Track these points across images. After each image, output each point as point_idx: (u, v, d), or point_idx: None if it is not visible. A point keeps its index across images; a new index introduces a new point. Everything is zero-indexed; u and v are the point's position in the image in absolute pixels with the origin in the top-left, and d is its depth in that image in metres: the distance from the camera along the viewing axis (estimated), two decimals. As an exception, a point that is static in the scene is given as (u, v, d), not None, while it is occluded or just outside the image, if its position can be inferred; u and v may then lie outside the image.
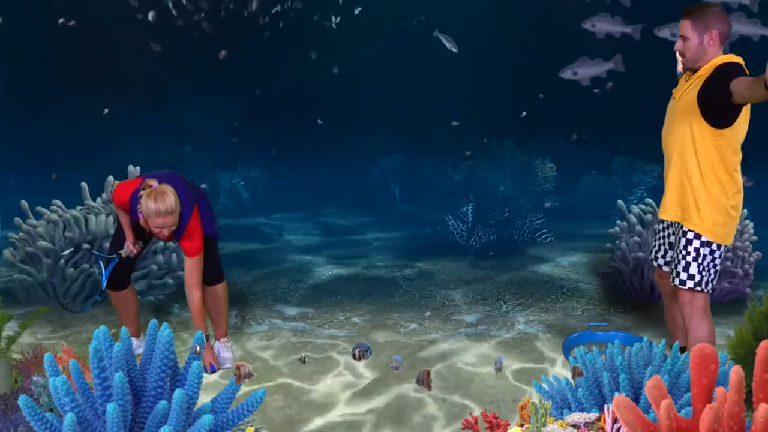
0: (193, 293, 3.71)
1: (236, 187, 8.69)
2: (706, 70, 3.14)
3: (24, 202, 4.89)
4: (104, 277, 3.81)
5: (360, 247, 6.69)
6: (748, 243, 4.96)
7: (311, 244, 6.78)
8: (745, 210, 4.94)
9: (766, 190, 7.03)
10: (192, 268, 3.70)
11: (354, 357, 3.98)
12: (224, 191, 8.05)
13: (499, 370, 3.83)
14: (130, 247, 3.80)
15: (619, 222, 5.19)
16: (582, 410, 2.07)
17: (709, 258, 3.25)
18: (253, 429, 2.00)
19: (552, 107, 7.92)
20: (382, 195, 8.61)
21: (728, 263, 4.83)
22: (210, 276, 3.94)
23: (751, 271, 4.91)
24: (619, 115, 7.57)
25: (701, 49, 3.15)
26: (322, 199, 8.21)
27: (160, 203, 3.44)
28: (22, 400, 1.60)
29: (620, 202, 5.25)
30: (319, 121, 7.83)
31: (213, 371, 3.81)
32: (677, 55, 3.27)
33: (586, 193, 8.01)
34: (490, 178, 8.32)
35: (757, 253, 4.95)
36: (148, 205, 3.46)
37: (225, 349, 4.05)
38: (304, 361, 4.03)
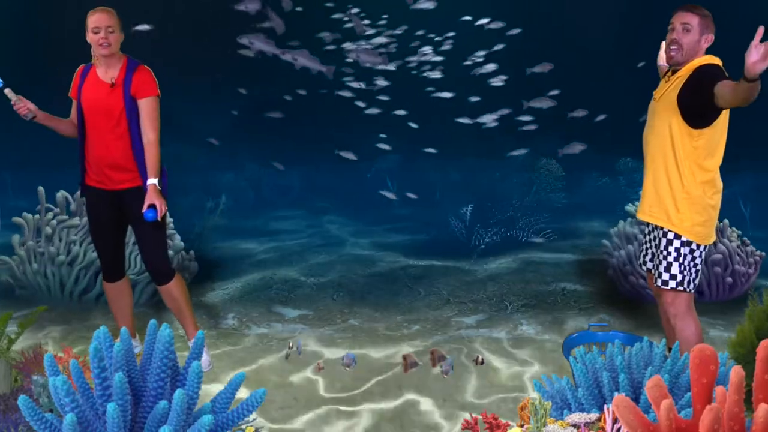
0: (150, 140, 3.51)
1: (236, 187, 8.68)
2: (686, 71, 3.16)
3: (41, 189, 4.88)
4: None
5: (361, 247, 6.69)
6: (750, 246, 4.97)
7: (312, 244, 6.78)
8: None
9: (766, 190, 7.03)
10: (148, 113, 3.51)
11: (289, 348, 4.05)
12: (225, 191, 8.04)
13: (446, 373, 3.83)
14: (21, 99, 3.48)
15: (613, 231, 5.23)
16: (582, 410, 2.07)
17: (689, 257, 3.27)
18: (253, 429, 2.00)
19: (556, 108, 7.90)
20: (383, 195, 8.59)
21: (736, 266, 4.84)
22: (156, 274, 3.73)
23: (753, 270, 4.92)
24: (622, 116, 7.56)
25: (698, 47, 3.18)
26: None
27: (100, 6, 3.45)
28: (21, 400, 1.59)
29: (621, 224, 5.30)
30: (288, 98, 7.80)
31: (151, 218, 3.46)
32: (665, 48, 3.26)
33: (589, 192, 8.00)
34: (494, 178, 8.31)
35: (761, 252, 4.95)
36: (88, 12, 3.44)
37: None
38: (288, 357, 4.07)
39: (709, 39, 3.18)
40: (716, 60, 3.17)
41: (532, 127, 6.92)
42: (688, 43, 3.16)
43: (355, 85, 7.20)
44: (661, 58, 3.73)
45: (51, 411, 2.08)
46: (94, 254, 4.77)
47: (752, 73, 2.69)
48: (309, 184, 8.93)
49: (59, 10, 7.74)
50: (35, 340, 4.25)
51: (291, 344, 4.13)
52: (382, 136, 7.69)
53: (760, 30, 2.63)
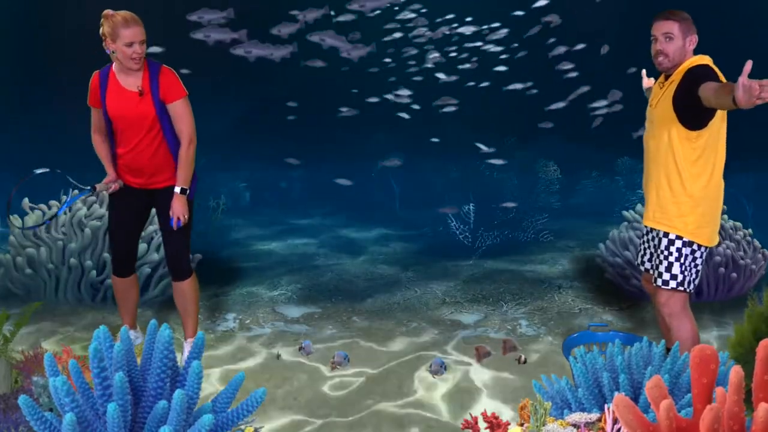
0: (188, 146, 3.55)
1: (238, 187, 8.68)
2: (677, 75, 3.18)
3: (26, 200, 4.89)
4: (65, 206, 3.68)
5: (361, 247, 6.69)
6: (753, 241, 4.97)
7: (312, 245, 6.78)
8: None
9: (766, 191, 7.03)
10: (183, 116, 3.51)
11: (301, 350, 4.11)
12: (226, 192, 8.05)
13: (435, 373, 3.82)
14: (108, 184, 3.61)
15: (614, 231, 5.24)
16: (582, 410, 2.07)
17: (690, 258, 3.28)
18: (252, 429, 2.00)
19: (555, 108, 7.92)
20: (384, 195, 8.60)
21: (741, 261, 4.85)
22: (175, 270, 3.78)
23: (757, 268, 4.92)
24: (622, 116, 7.57)
25: (683, 51, 3.21)
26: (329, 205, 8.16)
27: (124, 13, 3.36)
28: (22, 400, 1.59)
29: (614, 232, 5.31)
30: (292, 104, 7.80)
31: (178, 224, 3.60)
32: (657, 57, 3.27)
33: (588, 193, 8.01)
34: (493, 178, 8.32)
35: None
36: (114, 21, 3.33)
37: None
38: (279, 356, 4.08)
39: (693, 40, 3.21)
40: (706, 59, 3.19)
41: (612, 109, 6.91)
42: (674, 51, 3.19)
43: (402, 93, 7.21)
44: (647, 83, 3.77)
45: (51, 411, 2.08)
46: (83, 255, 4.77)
47: (742, 107, 2.68)
48: (311, 186, 8.93)
49: (59, 10, 7.74)
50: (34, 340, 4.25)
51: (302, 344, 4.13)
52: (435, 140, 7.72)
53: (748, 65, 2.59)
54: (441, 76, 7.44)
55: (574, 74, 7.14)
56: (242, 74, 8.09)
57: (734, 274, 4.82)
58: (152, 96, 3.46)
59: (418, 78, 7.67)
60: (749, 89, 2.55)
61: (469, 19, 7.57)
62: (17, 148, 7.45)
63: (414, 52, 7.65)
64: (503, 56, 7.71)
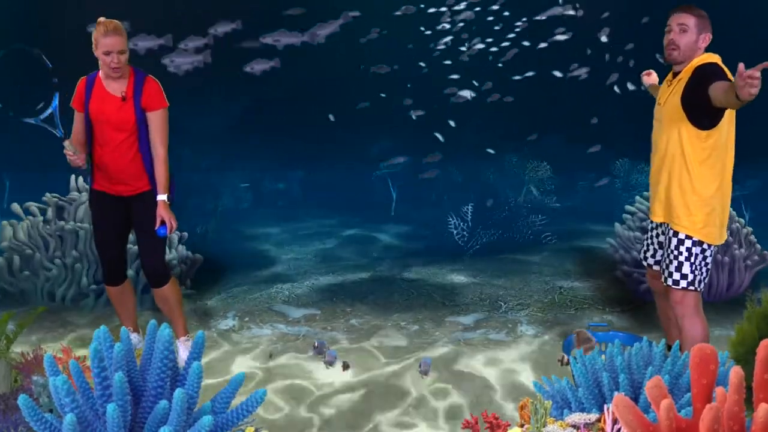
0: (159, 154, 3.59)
1: (237, 189, 8.67)
2: (686, 73, 3.19)
3: (15, 205, 4.88)
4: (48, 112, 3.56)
5: (360, 248, 6.69)
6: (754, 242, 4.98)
7: (311, 247, 6.78)
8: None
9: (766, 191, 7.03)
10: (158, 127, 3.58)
11: (315, 350, 4.10)
12: (225, 193, 8.03)
13: (425, 373, 3.82)
14: (75, 147, 3.52)
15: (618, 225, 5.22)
16: (582, 410, 2.07)
17: (700, 257, 3.29)
18: (253, 429, 2.00)
19: (553, 109, 7.90)
20: (382, 197, 8.59)
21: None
22: (155, 277, 3.81)
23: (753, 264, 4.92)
24: (620, 116, 7.56)
25: (695, 47, 3.21)
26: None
27: (107, 22, 3.42)
28: (21, 400, 1.59)
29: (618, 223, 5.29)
30: (330, 117, 7.86)
31: (163, 233, 3.62)
32: (665, 45, 3.28)
33: (586, 194, 7.99)
34: (491, 179, 8.31)
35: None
36: (98, 30, 3.42)
37: (184, 349, 3.91)
38: (272, 356, 4.09)
39: (706, 39, 3.22)
40: (715, 57, 3.19)
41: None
42: (686, 44, 3.19)
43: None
44: (647, 80, 3.78)
45: (51, 411, 2.08)
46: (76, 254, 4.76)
47: (743, 99, 2.71)
48: (310, 186, 8.92)
49: (59, 10, 7.73)
50: (35, 340, 4.25)
51: (315, 344, 4.13)
52: (490, 151, 7.68)
53: (741, 67, 2.64)
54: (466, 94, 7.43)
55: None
56: (247, 75, 8.08)
57: (727, 258, 4.81)
58: (134, 102, 3.55)
59: (455, 76, 7.63)
60: (746, 80, 2.61)
61: (506, 13, 7.54)
62: (17, 148, 7.45)
63: (444, 44, 7.58)
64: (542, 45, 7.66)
